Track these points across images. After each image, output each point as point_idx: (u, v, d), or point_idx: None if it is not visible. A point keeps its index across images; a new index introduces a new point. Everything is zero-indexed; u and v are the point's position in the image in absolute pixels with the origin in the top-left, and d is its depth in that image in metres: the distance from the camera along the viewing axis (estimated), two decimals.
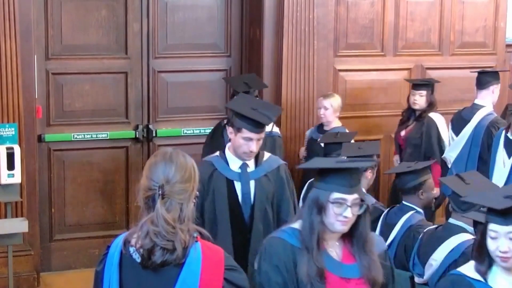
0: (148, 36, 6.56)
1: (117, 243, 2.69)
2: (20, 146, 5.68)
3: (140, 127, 6.60)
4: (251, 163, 4.37)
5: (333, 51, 6.89)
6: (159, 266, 2.58)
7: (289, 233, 3.13)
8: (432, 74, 7.26)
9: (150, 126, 6.61)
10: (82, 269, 6.42)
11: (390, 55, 7.14)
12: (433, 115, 6.40)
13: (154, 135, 6.62)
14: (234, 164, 4.36)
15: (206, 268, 2.57)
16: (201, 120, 6.70)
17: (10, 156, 5.55)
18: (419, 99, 6.39)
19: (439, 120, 6.38)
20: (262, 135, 4.33)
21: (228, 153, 4.38)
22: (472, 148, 5.99)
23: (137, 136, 6.59)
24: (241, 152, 4.29)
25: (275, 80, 6.63)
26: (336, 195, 3.06)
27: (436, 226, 4.46)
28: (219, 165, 4.37)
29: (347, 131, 6.17)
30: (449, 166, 6.16)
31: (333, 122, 6.30)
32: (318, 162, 3.46)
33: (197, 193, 2.69)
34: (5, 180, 5.53)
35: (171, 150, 2.73)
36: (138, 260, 2.62)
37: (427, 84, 6.47)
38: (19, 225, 5.55)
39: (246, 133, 4.22)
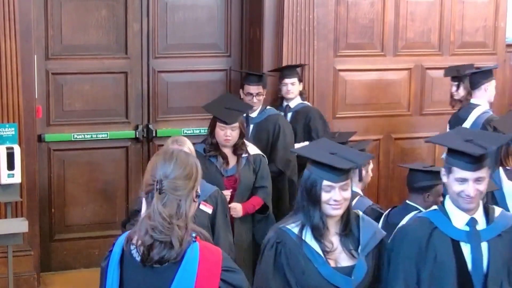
0: (148, 36, 6.56)
1: (121, 240, 2.73)
2: (20, 146, 5.68)
3: (140, 127, 6.60)
4: (481, 219, 3.39)
5: (333, 51, 6.89)
6: (157, 263, 2.61)
7: None
8: (432, 74, 7.27)
9: (150, 126, 6.61)
10: (82, 269, 6.43)
11: (390, 55, 7.14)
12: None
13: (154, 135, 6.62)
14: (459, 219, 3.37)
15: (203, 268, 2.60)
16: (201, 120, 6.69)
17: (10, 156, 5.55)
18: None
19: None
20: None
21: (450, 204, 3.39)
22: None
23: (137, 136, 6.59)
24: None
25: (275, 80, 6.62)
26: None
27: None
28: (439, 221, 3.39)
29: None
30: None
31: None
32: None
33: (199, 192, 2.71)
34: (5, 180, 5.53)
35: (175, 148, 2.82)
36: (137, 257, 2.65)
37: None
38: (19, 225, 5.55)
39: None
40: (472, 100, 6.21)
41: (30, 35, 5.95)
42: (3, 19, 5.75)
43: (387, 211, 4.78)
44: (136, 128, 6.60)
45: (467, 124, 6.08)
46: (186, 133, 6.66)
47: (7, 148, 5.57)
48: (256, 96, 6.01)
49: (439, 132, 7.13)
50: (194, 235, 2.65)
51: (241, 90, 6.11)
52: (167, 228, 2.57)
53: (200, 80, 6.76)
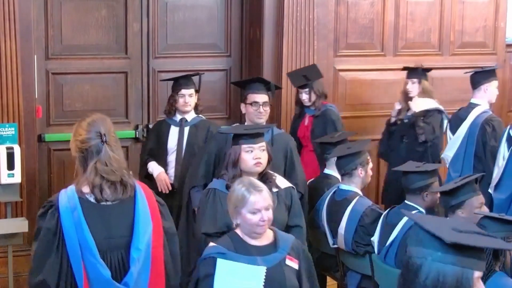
0: (148, 36, 6.57)
1: (70, 196, 3.19)
2: (20, 146, 5.68)
3: (140, 127, 6.60)
4: None
5: (333, 51, 6.90)
6: (119, 200, 3.20)
7: None
8: (432, 74, 7.25)
9: (150, 126, 6.60)
10: None
11: (390, 55, 7.14)
12: None
13: None
14: None
15: (146, 194, 3.29)
16: None
17: (10, 156, 5.55)
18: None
19: None
20: None
21: None
22: (468, 146, 6.05)
23: (137, 136, 6.59)
24: None
25: (275, 80, 6.61)
26: None
27: None
28: None
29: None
30: (447, 166, 6.19)
31: None
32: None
33: None
34: (5, 180, 5.53)
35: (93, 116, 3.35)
36: (93, 200, 3.19)
37: None
38: (19, 225, 5.55)
39: None
40: (472, 100, 6.21)
41: (30, 35, 5.95)
42: (3, 19, 5.75)
43: (385, 212, 4.78)
44: (136, 128, 6.60)
45: (466, 124, 6.08)
46: None
47: (7, 148, 5.56)
48: (263, 106, 5.09)
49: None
50: (129, 172, 3.32)
51: (242, 105, 5.24)
52: (120, 170, 3.20)
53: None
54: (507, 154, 5.54)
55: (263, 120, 5.09)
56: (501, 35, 7.51)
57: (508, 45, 7.60)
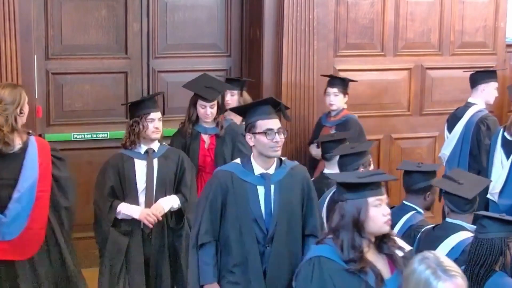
0: (148, 36, 6.57)
1: None
2: None
3: None
4: None
5: (333, 51, 6.90)
6: (12, 152, 4.43)
7: None
8: (432, 74, 7.26)
9: None
10: (82, 269, 6.40)
11: (390, 55, 7.14)
12: None
13: None
14: None
15: (40, 149, 4.45)
16: None
17: None
18: None
19: None
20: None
21: None
22: (464, 145, 6.09)
23: None
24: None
25: (275, 80, 6.63)
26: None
27: (433, 226, 4.45)
28: None
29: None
30: (444, 164, 6.21)
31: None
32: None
33: (23, 110, 4.57)
34: None
35: (5, 83, 4.82)
36: None
37: None
38: None
39: None
40: (469, 99, 6.27)
41: (30, 35, 5.96)
42: (3, 19, 5.75)
43: None
44: None
45: (461, 122, 6.14)
46: None
47: None
48: (278, 134, 3.94)
49: (439, 133, 7.18)
50: (30, 131, 4.58)
51: (249, 136, 4.00)
52: None
53: None
54: (505, 159, 5.55)
55: (279, 152, 3.98)
56: (501, 35, 7.51)
57: (508, 45, 7.59)
